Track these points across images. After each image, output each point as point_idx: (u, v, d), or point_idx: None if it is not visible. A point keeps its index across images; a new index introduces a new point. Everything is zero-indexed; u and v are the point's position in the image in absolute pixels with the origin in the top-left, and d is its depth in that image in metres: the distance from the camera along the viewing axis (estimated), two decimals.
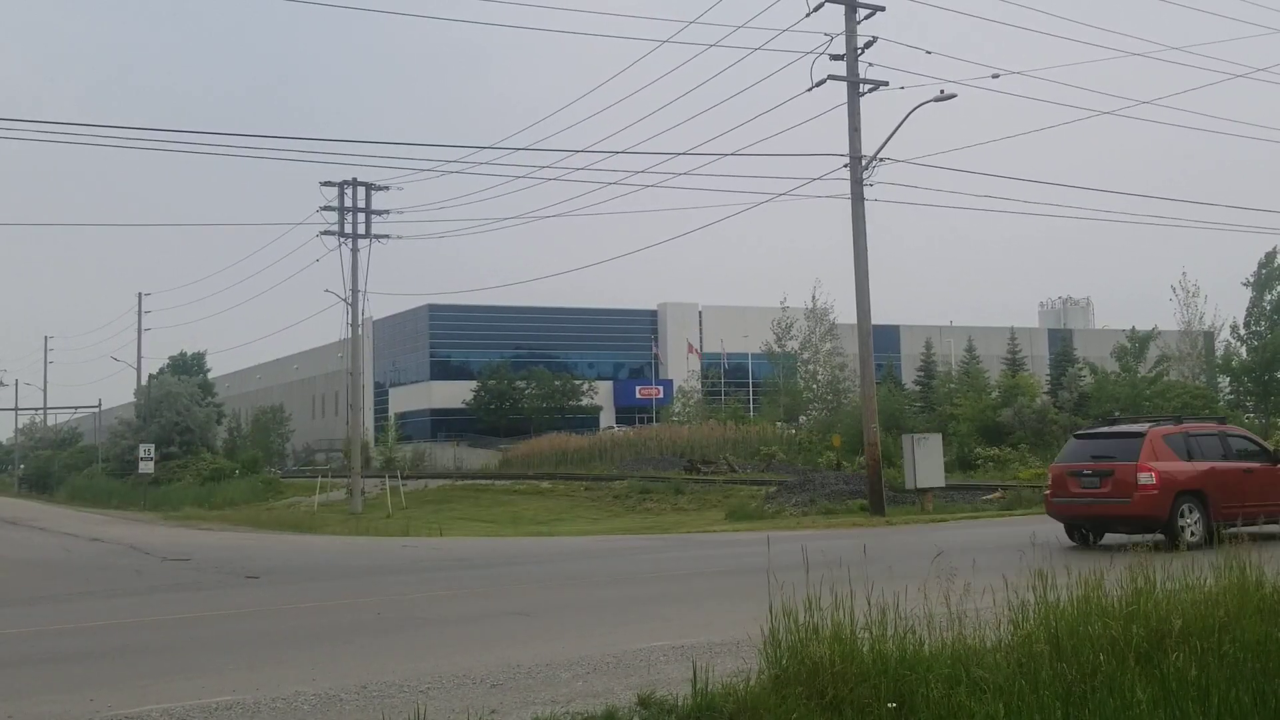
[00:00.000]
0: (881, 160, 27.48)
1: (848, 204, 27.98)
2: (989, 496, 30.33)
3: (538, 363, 79.51)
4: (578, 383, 78.25)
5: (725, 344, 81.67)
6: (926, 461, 28.73)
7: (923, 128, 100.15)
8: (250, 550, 24.29)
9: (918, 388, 66.04)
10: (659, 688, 7.58)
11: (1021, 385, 52.05)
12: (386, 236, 41.83)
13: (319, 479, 46.78)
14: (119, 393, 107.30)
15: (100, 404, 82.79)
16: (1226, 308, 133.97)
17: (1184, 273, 73.93)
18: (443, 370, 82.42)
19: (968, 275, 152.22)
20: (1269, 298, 47.07)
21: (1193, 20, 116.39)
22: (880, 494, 27.15)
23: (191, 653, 10.30)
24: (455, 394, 78.80)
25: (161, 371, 71.19)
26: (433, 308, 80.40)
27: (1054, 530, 17.88)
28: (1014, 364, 65.86)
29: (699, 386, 75.99)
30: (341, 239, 41.46)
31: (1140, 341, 45.84)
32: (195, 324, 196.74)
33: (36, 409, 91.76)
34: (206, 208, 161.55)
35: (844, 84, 27.52)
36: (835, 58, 27.34)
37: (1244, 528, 13.82)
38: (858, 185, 27.61)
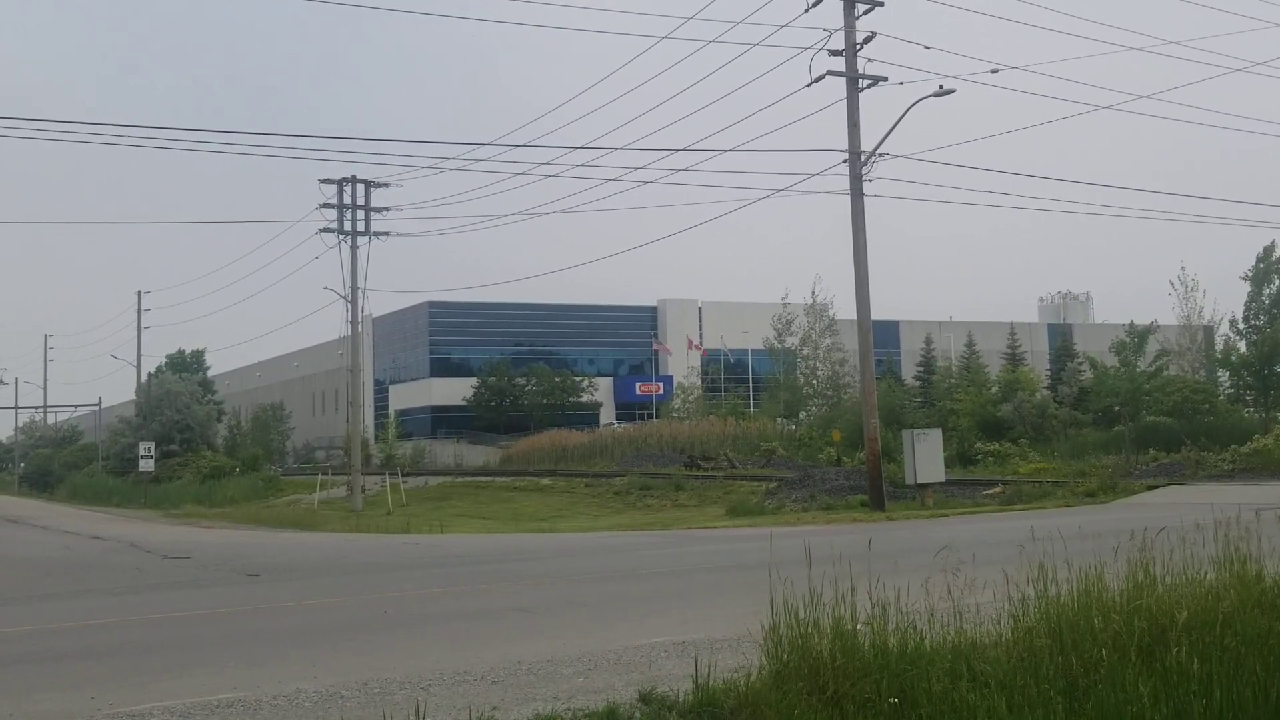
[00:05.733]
0: (881, 156, 27.47)
1: (847, 199, 27.99)
2: (989, 491, 30.34)
3: (538, 359, 79.49)
4: (578, 379, 78.22)
5: (725, 340, 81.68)
6: (926, 457, 28.75)
7: (922, 123, 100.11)
8: (251, 548, 24.28)
9: (918, 383, 66.03)
10: (660, 684, 7.58)
11: (1021, 380, 52.03)
12: (386, 234, 41.82)
13: (319, 476, 46.74)
14: (119, 391, 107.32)
15: (100, 402, 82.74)
16: (1225, 302, 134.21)
17: (1183, 267, 73.39)
18: (443, 367, 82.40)
19: (967, 270, 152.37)
20: (1268, 291, 46.99)
21: (1192, 14, 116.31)
22: (880, 489, 27.15)
23: (193, 650, 10.29)
24: (455, 391, 78.78)
25: (160, 369, 71.13)
26: (433, 305, 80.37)
27: (1054, 524, 17.85)
28: (1014, 359, 65.83)
29: (699, 383, 75.99)
30: (341, 236, 41.40)
31: (1139, 336, 45.72)
32: (195, 322, 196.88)
33: (36, 407, 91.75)
34: (206, 205, 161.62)
35: (843, 79, 27.49)
36: (834, 53, 27.31)
37: None
38: (857, 181, 27.59)
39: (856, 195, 27.68)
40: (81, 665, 9.63)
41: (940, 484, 29.39)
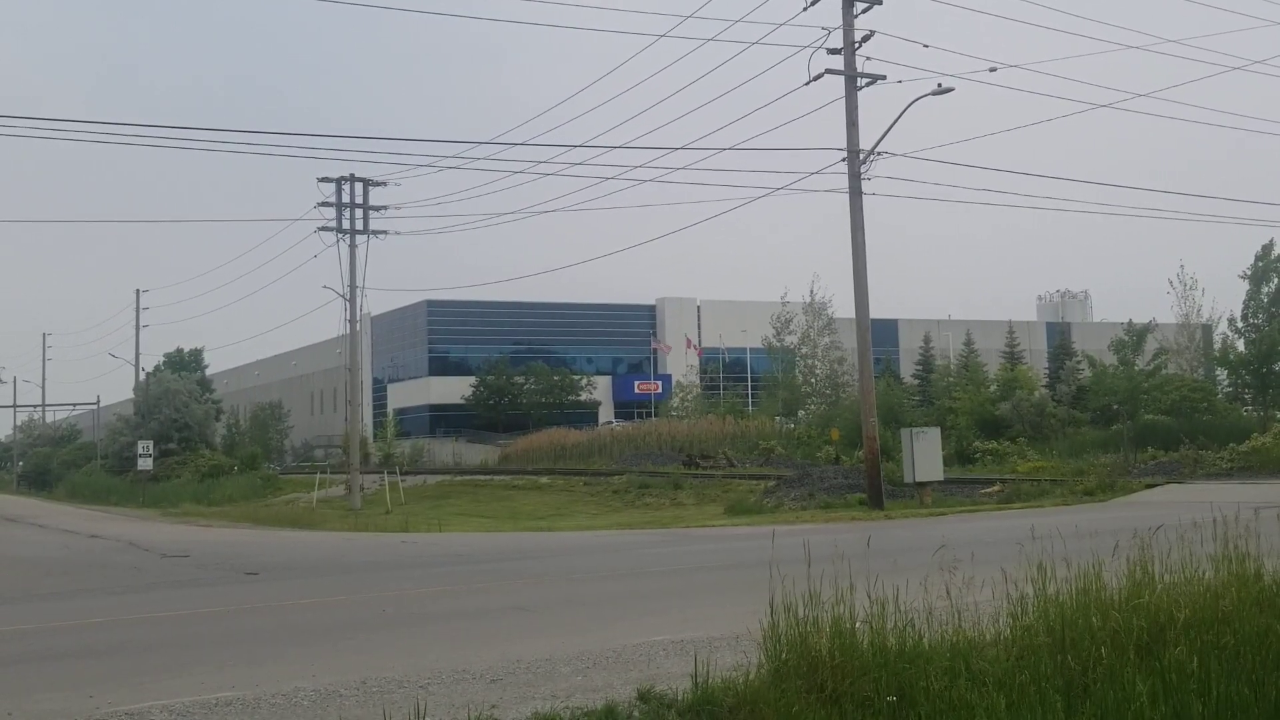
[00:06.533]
0: (879, 154, 27.47)
1: (846, 198, 27.99)
2: (987, 490, 30.34)
3: (536, 358, 79.53)
4: (576, 378, 78.26)
5: (724, 339, 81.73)
6: (925, 455, 28.74)
7: (921, 121, 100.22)
8: (249, 546, 24.27)
9: (916, 381, 66.12)
10: (658, 682, 7.58)
11: (1020, 378, 52.08)
12: (384, 232, 41.76)
13: (318, 475, 46.73)
14: (117, 389, 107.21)
15: (99, 401, 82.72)
16: (1224, 300, 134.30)
17: (1181, 265, 73.79)
18: (441, 366, 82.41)
19: (966, 269, 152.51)
20: (1266, 290, 47.03)
21: (1192, 13, 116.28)
22: (879, 488, 27.14)
23: (191, 649, 10.29)
24: (454, 390, 78.81)
25: (158, 368, 71.12)
26: (431, 303, 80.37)
27: (1052, 523, 17.86)
28: (1012, 357, 65.93)
29: (697, 381, 76.06)
30: (339, 235, 41.35)
31: (1138, 334, 45.74)
32: (193, 320, 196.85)
33: (35, 406, 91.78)
34: (204, 203, 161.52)
35: (842, 78, 27.47)
36: (833, 52, 27.29)
37: None
38: (855, 179, 27.58)
39: (855, 194, 27.67)
40: (80, 664, 9.62)
41: (939, 482, 29.39)
